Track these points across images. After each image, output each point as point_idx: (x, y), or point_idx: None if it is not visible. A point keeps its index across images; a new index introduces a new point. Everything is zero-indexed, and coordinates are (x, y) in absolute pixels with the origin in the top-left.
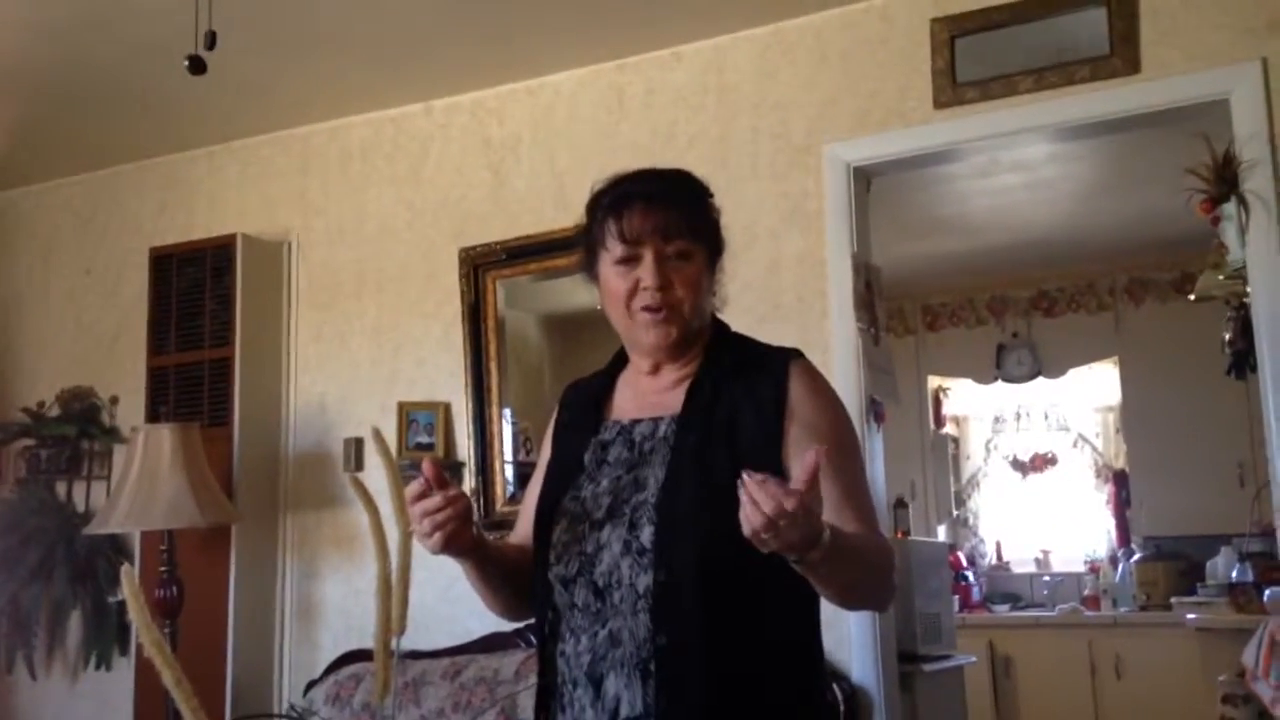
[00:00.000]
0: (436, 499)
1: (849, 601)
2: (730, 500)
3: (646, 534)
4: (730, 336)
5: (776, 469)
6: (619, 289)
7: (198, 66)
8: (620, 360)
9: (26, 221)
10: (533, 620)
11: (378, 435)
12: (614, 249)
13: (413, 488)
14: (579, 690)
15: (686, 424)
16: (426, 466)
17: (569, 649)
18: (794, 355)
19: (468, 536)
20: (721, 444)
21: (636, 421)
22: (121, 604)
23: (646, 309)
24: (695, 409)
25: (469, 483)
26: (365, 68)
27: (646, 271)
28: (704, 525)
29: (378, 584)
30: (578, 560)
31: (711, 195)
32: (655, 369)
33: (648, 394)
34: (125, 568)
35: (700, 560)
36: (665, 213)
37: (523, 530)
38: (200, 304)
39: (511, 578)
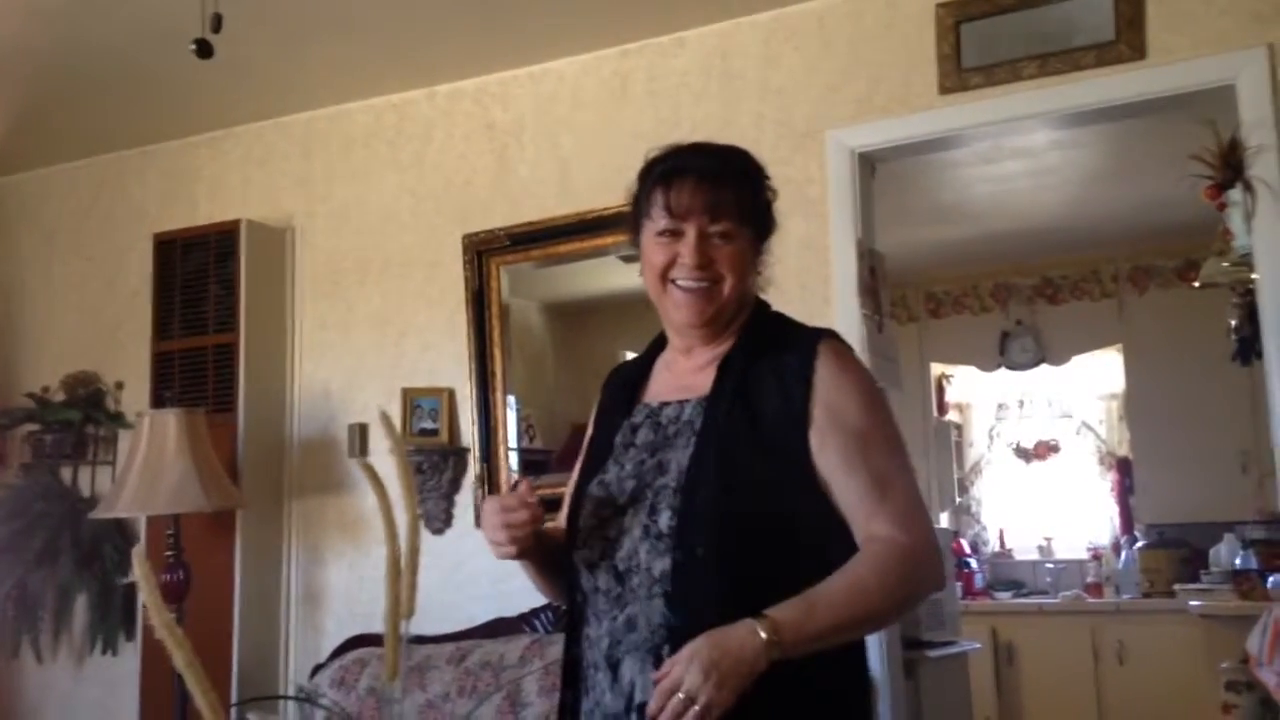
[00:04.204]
0: (523, 514)
1: (881, 628)
2: (751, 486)
3: (664, 519)
4: (768, 316)
5: (799, 452)
6: (657, 261)
7: (205, 50)
8: (660, 343)
9: (29, 206)
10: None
11: (386, 419)
12: (658, 220)
13: (507, 499)
14: (599, 674)
15: (713, 407)
16: (525, 487)
17: (592, 633)
18: (825, 335)
19: (532, 546)
20: (746, 428)
21: (665, 404)
22: (127, 588)
23: (680, 286)
24: (722, 391)
25: (473, 469)
26: (368, 53)
27: (687, 248)
28: (723, 511)
29: (387, 568)
30: (601, 545)
31: (768, 177)
32: (689, 349)
33: (681, 375)
34: (137, 549)
35: (718, 545)
36: (716, 191)
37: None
38: (204, 290)
39: (563, 565)
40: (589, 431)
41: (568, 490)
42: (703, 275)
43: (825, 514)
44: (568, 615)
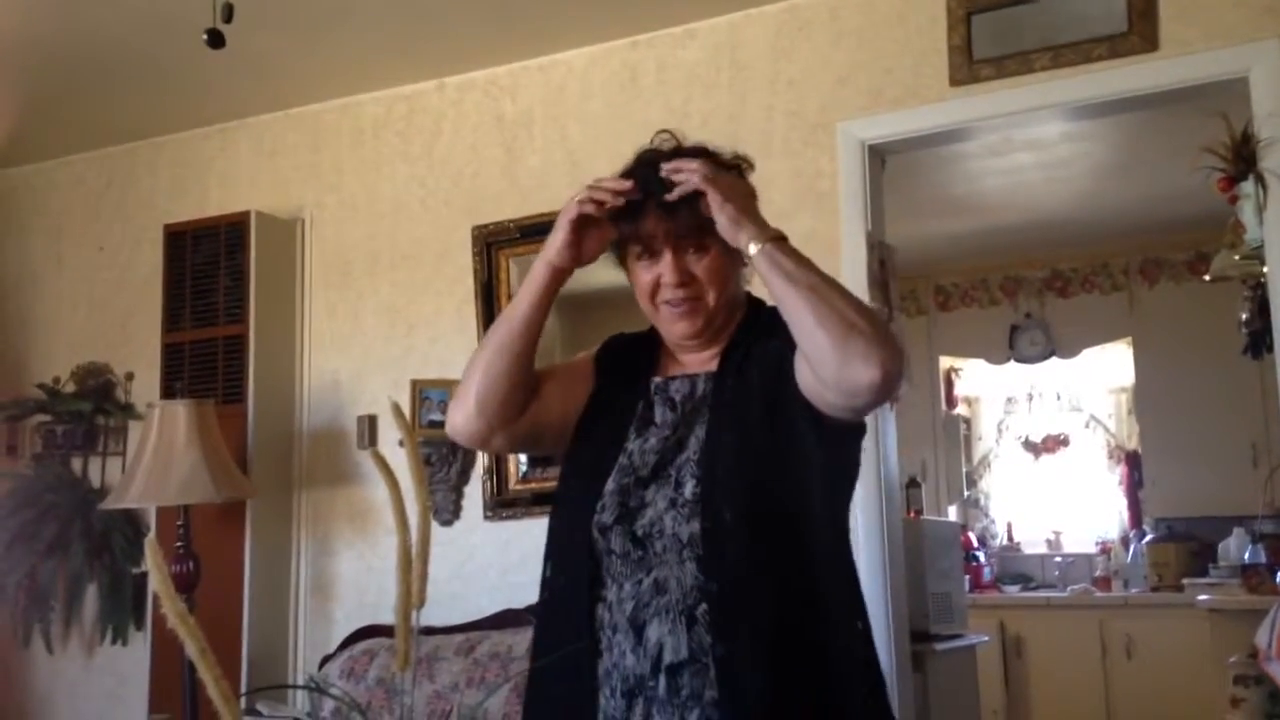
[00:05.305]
0: (618, 192)
1: (831, 324)
2: (767, 453)
3: (689, 487)
4: (764, 311)
5: (795, 398)
6: (643, 282)
7: (217, 41)
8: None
9: (39, 198)
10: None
11: (398, 410)
12: (633, 248)
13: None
14: (619, 635)
15: (721, 382)
16: (632, 186)
17: (611, 595)
18: None
19: (594, 249)
20: (755, 399)
21: (671, 379)
22: (137, 578)
23: (669, 304)
24: (729, 369)
25: (482, 461)
26: (378, 45)
27: (666, 268)
28: (745, 477)
29: (398, 557)
30: (617, 511)
31: (739, 174)
32: (692, 351)
33: (687, 366)
34: (149, 538)
35: (743, 509)
36: (677, 215)
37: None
38: (214, 281)
39: (534, 339)
40: (583, 366)
41: (554, 378)
42: (686, 291)
43: (838, 466)
44: (575, 588)
